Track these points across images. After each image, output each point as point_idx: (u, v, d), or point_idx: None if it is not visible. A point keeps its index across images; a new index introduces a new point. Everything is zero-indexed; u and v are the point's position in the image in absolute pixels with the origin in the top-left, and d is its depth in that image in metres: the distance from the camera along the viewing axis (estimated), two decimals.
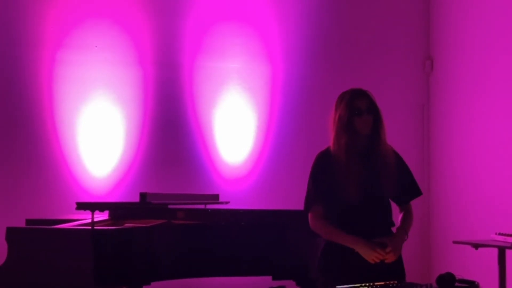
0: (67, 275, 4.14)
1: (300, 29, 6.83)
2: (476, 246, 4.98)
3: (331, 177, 3.32)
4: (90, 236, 4.16)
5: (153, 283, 4.48)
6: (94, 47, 6.22)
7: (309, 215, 3.41)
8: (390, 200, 3.46)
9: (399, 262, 3.38)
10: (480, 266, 5.69)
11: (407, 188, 3.49)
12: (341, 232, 3.29)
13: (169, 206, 5.05)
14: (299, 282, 4.65)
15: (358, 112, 3.34)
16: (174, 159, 6.40)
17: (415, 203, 7.14)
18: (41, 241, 4.30)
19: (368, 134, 3.36)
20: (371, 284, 2.98)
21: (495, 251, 4.99)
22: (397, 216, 3.50)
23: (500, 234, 4.94)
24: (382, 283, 3.03)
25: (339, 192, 3.30)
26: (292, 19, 6.83)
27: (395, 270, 3.32)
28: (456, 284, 3.11)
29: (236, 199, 6.19)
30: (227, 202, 5.62)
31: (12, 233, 4.31)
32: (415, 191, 3.54)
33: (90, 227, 4.25)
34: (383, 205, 3.41)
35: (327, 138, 3.42)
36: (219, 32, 6.59)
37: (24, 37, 6.08)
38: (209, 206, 5.42)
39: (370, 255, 3.23)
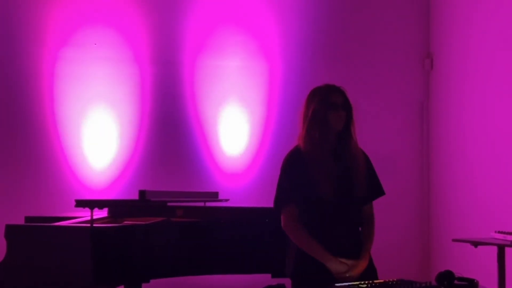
0: (66, 272, 4.13)
1: (299, 27, 6.82)
2: (476, 244, 4.97)
3: (304, 175, 3.30)
4: (89, 233, 4.16)
5: (152, 281, 4.47)
6: (94, 45, 6.22)
7: (282, 215, 3.37)
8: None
9: (370, 265, 3.39)
10: (480, 264, 5.69)
11: (371, 187, 3.46)
12: (316, 244, 3.27)
13: (169, 204, 5.05)
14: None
15: (334, 107, 3.32)
16: (174, 156, 6.41)
17: (414, 201, 7.17)
18: (40, 238, 4.29)
19: (339, 131, 3.35)
20: (370, 282, 2.98)
21: (494, 249, 4.98)
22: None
23: (499, 232, 4.93)
24: (382, 281, 3.03)
25: (312, 189, 3.27)
26: (290, 16, 6.82)
27: (368, 273, 3.33)
28: (456, 282, 3.11)
29: (235, 195, 6.19)
30: (226, 200, 5.62)
31: (11, 231, 4.30)
32: (379, 191, 3.51)
33: (89, 225, 4.25)
34: (355, 202, 3.40)
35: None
36: (218, 30, 6.59)
37: (24, 35, 6.08)
38: (208, 204, 5.41)
39: (338, 271, 3.22)
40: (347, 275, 3.24)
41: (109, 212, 5.06)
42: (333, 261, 3.25)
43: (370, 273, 3.36)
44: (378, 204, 3.62)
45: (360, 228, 3.44)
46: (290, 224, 3.34)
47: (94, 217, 4.37)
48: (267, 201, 5.74)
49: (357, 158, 3.37)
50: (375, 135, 6.59)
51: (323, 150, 3.31)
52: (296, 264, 3.36)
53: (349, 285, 2.94)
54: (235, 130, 6.59)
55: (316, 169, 3.28)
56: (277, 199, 3.38)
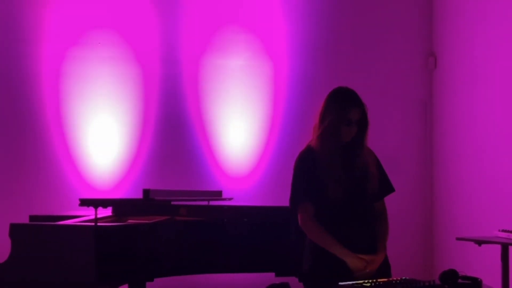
0: (71, 271, 4.14)
1: (302, 27, 6.82)
2: (479, 242, 4.97)
3: (316, 176, 3.33)
4: (93, 232, 4.16)
5: (156, 280, 4.48)
6: (98, 44, 6.23)
7: (299, 213, 3.40)
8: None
9: (385, 262, 3.41)
10: (483, 262, 5.69)
11: (382, 185, 3.48)
12: (334, 240, 3.30)
13: (172, 203, 5.06)
14: (301, 279, 4.63)
15: (348, 123, 3.35)
16: (178, 156, 6.41)
17: (417, 200, 7.16)
18: (44, 237, 4.29)
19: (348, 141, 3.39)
20: (374, 281, 2.98)
21: (498, 248, 4.98)
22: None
23: (503, 230, 4.94)
24: (386, 279, 3.03)
25: (323, 191, 3.31)
26: (295, 16, 6.82)
27: (382, 269, 3.35)
28: (459, 280, 3.11)
29: (240, 197, 6.19)
30: (230, 199, 5.62)
31: (15, 230, 4.31)
32: (389, 188, 3.53)
33: (93, 224, 4.25)
34: (366, 203, 3.42)
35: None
36: (222, 28, 6.59)
37: (29, 34, 6.09)
38: (212, 203, 5.42)
39: (357, 268, 3.24)
40: (367, 270, 3.26)
41: (113, 211, 5.07)
42: (352, 257, 3.27)
43: (384, 269, 3.38)
44: None
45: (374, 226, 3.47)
46: (307, 221, 3.37)
47: (98, 216, 4.37)
48: (272, 200, 5.77)
49: (369, 165, 3.40)
50: (378, 133, 6.55)
51: (334, 157, 3.34)
52: (314, 261, 3.37)
53: (353, 284, 2.94)
54: (240, 130, 6.58)
55: (326, 173, 3.31)
56: (293, 198, 3.41)
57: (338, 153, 3.36)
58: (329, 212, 3.34)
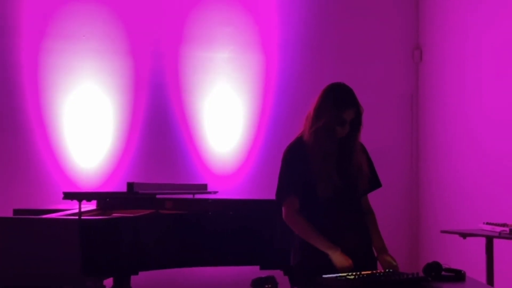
0: (55, 265, 4.12)
1: (288, 19, 6.80)
2: (464, 235, 4.99)
3: (306, 171, 3.32)
4: (77, 226, 4.15)
5: (141, 273, 4.47)
6: (82, 36, 6.19)
7: (284, 207, 3.38)
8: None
9: (371, 256, 3.42)
10: (468, 255, 5.71)
11: (369, 181, 3.47)
12: (317, 234, 3.29)
13: (157, 196, 5.04)
14: (286, 272, 4.65)
15: (343, 123, 3.33)
16: (163, 152, 6.36)
17: (403, 193, 7.16)
18: (28, 231, 4.27)
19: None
20: (358, 273, 2.98)
21: (483, 240, 5.00)
22: None
23: (488, 223, 4.95)
24: (369, 272, 3.03)
25: (312, 186, 3.30)
26: (281, 8, 6.80)
27: (368, 263, 3.35)
28: (443, 273, 3.12)
29: (226, 191, 6.17)
30: (215, 192, 5.61)
31: None
32: (376, 183, 3.53)
33: (77, 217, 4.23)
34: (355, 201, 3.42)
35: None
36: (207, 20, 6.55)
37: (4, 25, 6.03)
38: (197, 196, 5.41)
39: (342, 264, 3.22)
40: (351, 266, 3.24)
41: (97, 205, 5.05)
42: (336, 250, 3.24)
43: (371, 262, 3.37)
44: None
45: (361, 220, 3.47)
46: (292, 216, 3.36)
47: (83, 209, 4.35)
48: (259, 196, 5.76)
49: (362, 164, 3.39)
50: (365, 126, 6.58)
51: (326, 156, 3.32)
52: (303, 256, 3.36)
53: (336, 276, 2.95)
54: (227, 125, 6.55)
55: (317, 171, 3.29)
56: (279, 191, 3.39)
57: (332, 152, 3.34)
58: (317, 209, 3.32)
